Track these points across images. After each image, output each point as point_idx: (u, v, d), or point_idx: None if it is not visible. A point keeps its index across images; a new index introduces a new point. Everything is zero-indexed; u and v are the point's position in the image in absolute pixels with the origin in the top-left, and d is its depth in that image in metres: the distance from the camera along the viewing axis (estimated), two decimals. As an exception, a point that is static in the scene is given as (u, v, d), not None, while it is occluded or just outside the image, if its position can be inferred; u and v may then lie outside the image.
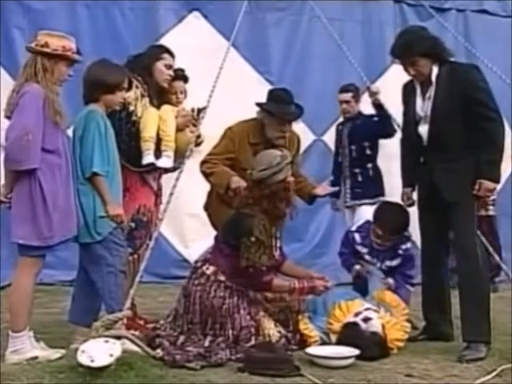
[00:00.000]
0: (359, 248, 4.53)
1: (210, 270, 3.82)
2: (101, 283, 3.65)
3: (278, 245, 4.01)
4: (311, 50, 6.59)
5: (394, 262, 4.45)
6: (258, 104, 4.38)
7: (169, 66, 4.27)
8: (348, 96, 5.48)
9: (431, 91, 3.92)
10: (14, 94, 3.45)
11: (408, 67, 3.95)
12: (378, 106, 5.19)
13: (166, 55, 4.27)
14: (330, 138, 6.09)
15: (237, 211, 3.98)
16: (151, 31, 6.07)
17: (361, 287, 4.40)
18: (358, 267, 4.48)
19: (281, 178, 3.90)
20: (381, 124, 5.19)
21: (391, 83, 6.52)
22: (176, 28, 6.25)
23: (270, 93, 4.49)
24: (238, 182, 4.17)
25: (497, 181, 3.84)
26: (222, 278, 3.80)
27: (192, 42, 6.11)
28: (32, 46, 3.47)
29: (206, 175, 4.33)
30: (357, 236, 4.54)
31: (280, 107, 4.31)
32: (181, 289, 3.92)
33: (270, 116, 4.32)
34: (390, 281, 4.41)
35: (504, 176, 6.87)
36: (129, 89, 3.95)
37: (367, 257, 4.50)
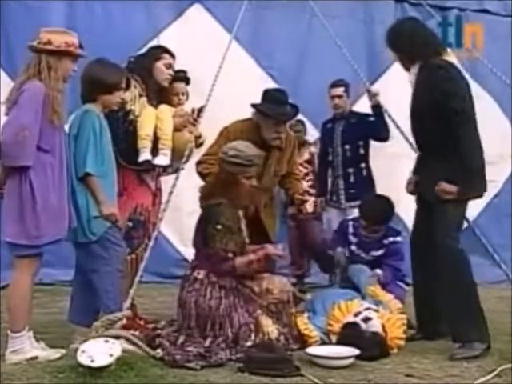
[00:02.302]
0: (350, 237, 4.65)
1: (201, 274, 3.81)
2: (98, 283, 3.64)
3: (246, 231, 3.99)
4: (314, 47, 6.56)
5: (379, 252, 4.55)
6: (253, 105, 4.38)
7: (168, 65, 4.28)
8: (340, 90, 5.46)
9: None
10: (14, 91, 3.42)
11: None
12: (377, 107, 5.17)
13: (165, 55, 4.29)
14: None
15: (204, 206, 3.98)
16: (151, 25, 6.05)
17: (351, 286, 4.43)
18: (339, 250, 4.60)
19: (228, 168, 3.88)
20: (376, 126, 5.18)
21: (393, 81, 6.54)
22: (177, 21, 6.24)
23: (265, 93, 4.47)
24: None
25: (466, 188, 3.73)
26: (215, 278, 3.79)
27: (194, 36, 6.11)
28: (35, 44, 3.44)
29: (203, 176, 4.33)
30: (350, 225, 4.69)
31: (275, 108, 4.31)
32: (177, 300, 3.89)
33: (266, 117, 4.32)
34: (378, 271, 4.46)
35: (504, 176, 6.91)
36: (127, 88, 3.94)
37: (353, 247, 4.62)
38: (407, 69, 3.98)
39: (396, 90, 6.40)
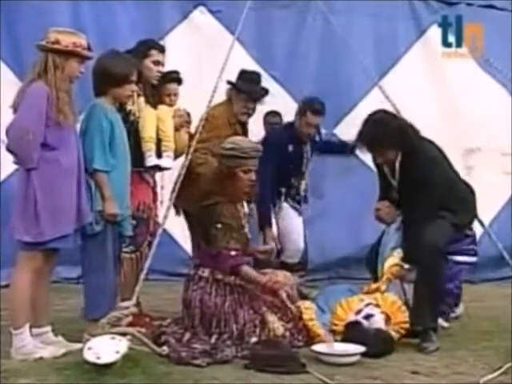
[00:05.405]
0: None
1: (205, 272, 3.82)
2: (87, 276, 3.77)
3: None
4: (318, 48, 6.52)
5: None
6: (229, 82, 4.65)
7: (157, 63, 4.22)
8: (320, 120, 5.20)
9: (396, 175, 4.06)
10: (20, 93, 3.43)
11: (376, 156, 4.15)
12: None
13: (153, 51, 4.22)
14: (340, 131, 6.22)
15: (200, 206, 3.97)
16: (156, 28, 6.03)
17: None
18: None
19: (226, 162, 3.88)
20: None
21: (401, 77, 6.52)
22: (181, 24, 6.22)
23: (242, 73, 4.79)
24: None
25: None
26: (220, 276, 3.80)
27: (198, 38, 6.10)
28: (43, 43, 3.44)
29: (197, 164, 4.42)
30: None
31: (248, 86, 4.64)
32: (181, 300, 3.89)
33: (239, 93, 4.64)
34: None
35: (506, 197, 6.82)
36: (138, 81, 3.92)
37: None
38: (387, 161, 4.06)
39: (404, 84, 6.40)
